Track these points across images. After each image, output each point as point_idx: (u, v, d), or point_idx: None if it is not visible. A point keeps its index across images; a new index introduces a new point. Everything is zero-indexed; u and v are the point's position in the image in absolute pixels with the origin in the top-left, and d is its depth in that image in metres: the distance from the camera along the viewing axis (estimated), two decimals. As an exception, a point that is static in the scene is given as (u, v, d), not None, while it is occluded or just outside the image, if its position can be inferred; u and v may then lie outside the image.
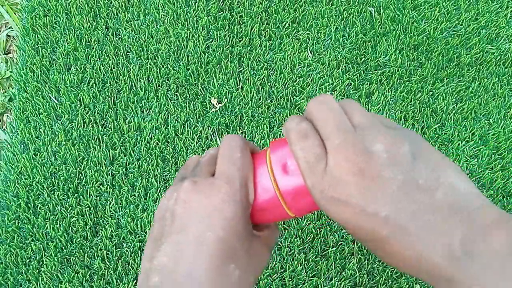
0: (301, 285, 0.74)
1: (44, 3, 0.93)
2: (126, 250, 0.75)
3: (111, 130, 0.83)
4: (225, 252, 0.28)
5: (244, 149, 0.32)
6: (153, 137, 0.83)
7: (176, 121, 0.84)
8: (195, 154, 0.82)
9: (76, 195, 0.79)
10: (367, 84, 0.89)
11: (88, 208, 0.78)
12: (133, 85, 0.87)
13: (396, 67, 0.90)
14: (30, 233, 0.76)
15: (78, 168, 0.80)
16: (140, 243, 0.76)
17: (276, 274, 0.74)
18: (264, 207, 0.31)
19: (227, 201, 0.29)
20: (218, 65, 0.89)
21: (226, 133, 0.84)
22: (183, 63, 0.89)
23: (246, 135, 0.84)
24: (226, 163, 0.31)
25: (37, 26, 0.91)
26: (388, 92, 0.88)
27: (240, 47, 0.90)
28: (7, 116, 0.91)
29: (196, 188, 0.30)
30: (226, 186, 0.29)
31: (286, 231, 0.76)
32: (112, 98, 0.86)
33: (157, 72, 0.88)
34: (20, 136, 0.83)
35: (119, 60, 0.89)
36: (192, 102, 0.86)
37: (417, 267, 0.26)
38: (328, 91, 0.87)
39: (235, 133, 0.84)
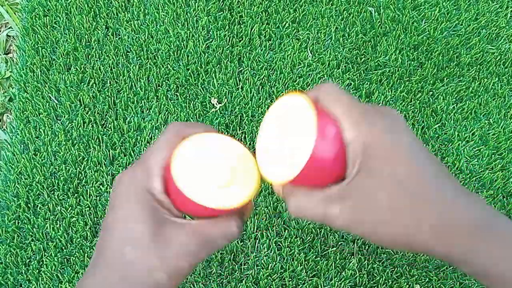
0: (301, 285, 0.74)
1: (44, 3, 0.93)
2: (126, 250, 0.75)
3: (111, 130, 0.83)
4: (122, 233, 0.29)
5: (173, 135, 0.32)
6: (153, 137, 0.83)
7: (176, 121, 0.84)
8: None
9: (76, 195, 0.79)
10: (367, 84, 0.89)
11: (88, 208, 0.78)
12: (133, 85, 0.87)
13: (396, 67, 0.90)
14: (30, 233, 0.76)
15: (78, 168, 0.80)
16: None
17: (276, 274, 0.74)
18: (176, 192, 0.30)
19: (127, 181, 0.30)
20: (218, 65, 0.89)
21: (227, 133, 0.84)
22: (183, 63, 0.89)
23: (246, 135, 0.84)
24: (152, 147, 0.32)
25: (37, 26, 0.91)
26: (388, 92, 0.88)
27: (240, 47, 0.90)
28: (7, 116, 0.91)
29: (127, 170, 0.32)
30: (136, 167, 0.31)
31: (286, 231, 0.76)
32: (112, 98, 0.86)
33: (157, 72, 0.88)
34: (20, 136, 0.83)
35: (119, 60, 0.89)
36: (192, 102, 0.86)
37: (439, 237, 0.25)
38: (328, 91, 0.87)
39: (235, 133, 0.84)
